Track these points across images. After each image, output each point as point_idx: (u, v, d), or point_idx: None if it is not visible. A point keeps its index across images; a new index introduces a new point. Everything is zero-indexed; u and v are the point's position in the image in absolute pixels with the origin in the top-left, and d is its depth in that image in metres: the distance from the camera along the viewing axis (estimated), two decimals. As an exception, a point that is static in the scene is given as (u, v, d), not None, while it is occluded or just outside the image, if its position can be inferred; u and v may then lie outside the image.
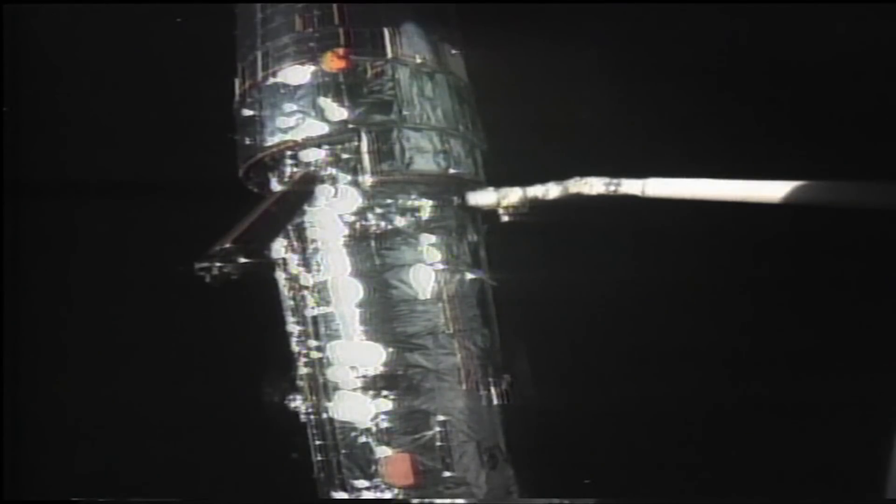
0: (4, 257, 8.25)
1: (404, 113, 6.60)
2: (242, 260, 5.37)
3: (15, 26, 8.33)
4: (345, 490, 6.66)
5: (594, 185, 6.39)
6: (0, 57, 8.19)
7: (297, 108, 6.60)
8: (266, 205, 6.34)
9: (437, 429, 6.47)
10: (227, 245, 5.36)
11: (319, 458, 6.84)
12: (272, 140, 6.69)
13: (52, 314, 8.56)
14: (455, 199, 6.92)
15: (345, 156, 6.59)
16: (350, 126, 6.53)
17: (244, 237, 5.51)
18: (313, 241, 6.73)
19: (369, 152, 6.52)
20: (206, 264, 5.29)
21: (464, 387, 6.63)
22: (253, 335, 7.61)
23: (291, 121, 6.60)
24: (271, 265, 6.96)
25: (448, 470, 6.45)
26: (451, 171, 6.75)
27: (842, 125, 7.38)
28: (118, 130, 8.63)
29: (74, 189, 8.36)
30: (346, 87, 6.57)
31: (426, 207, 6.73)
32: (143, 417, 8.35)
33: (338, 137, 6.56)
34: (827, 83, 7.44)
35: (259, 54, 6.88)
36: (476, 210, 7.01)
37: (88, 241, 8.53)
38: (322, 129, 6.55)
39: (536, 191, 6.70)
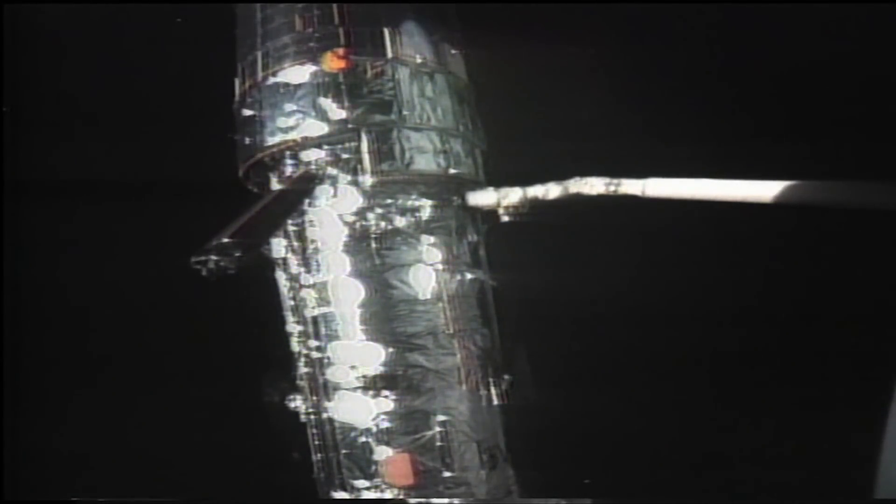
0: (4, 257, 8.25)
1: (404, 113, 6.60)
2: (239, 255, 5.40)
3: (15, 26, 8.33)
4: (345, 490, 6.66)
5: (594, 185, 6.39)
6: (0, 57, 8.19)
7: (297, 108, 6.59)
8: (264, 202, 6.37)
9: (437, 429, 6.47)
10: (225, 240, 5.39)
11: (319, 458, 6.84)
12: (272, 140, 6.69)
13: (52, 314, 8.56)
14: (455, 199, 6.93)
15: (345, 156, 6.60)
16: (350, 126, 6.54)
17: (241, 233, 5.54)
18: (313, 241, 6.73)
19: (369, 152, 6.52)
20: (202, 258, 5.32)
21: (464, 387, 6.64)
22: (253, 335, 7.61)
23: (291, 121, 6.60)
24: (271, 265, 6.98)
25: (448, 470, 6.45)
26: (451, 171, 6.75)
27: (841, 125, 7.38)
28: (118, 130, 8.63)
29: (74, 189, 8.35)
30: (346, 87, 6.57)
31: (426, 207, 6.73)
32: (143, 417, 8.35)
33: (338, 137, 6.57)
34: (826, 83, 7.44)
35: (259, 54, 6.88)
36: (476, 210, 7.01)
37: (88, 241, 8.52)
38: (322, 128, 6.55)
39: (536, 191, 6.70)
